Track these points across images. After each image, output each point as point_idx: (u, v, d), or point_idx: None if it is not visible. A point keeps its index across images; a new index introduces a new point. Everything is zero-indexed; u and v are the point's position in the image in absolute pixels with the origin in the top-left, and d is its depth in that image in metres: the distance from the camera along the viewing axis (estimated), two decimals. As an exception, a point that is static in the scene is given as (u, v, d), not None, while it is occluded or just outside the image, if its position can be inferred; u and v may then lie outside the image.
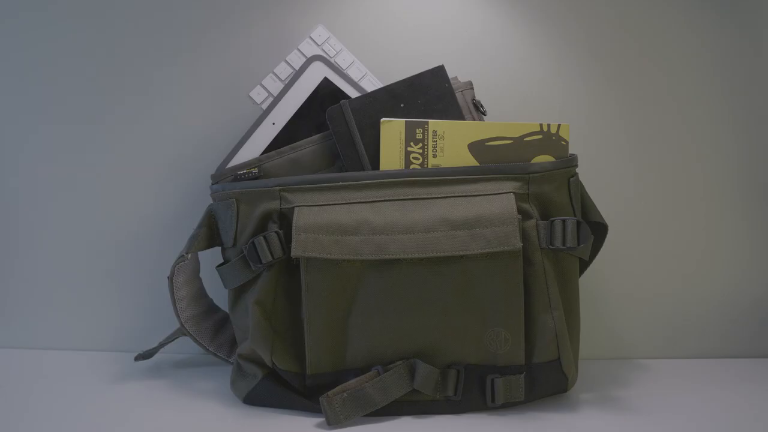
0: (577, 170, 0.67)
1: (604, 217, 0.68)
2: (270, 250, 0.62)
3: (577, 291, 0.65)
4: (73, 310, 0.83)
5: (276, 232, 0.62)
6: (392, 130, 0.65)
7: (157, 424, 0.59)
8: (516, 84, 0.81)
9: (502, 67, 0.81)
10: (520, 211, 0.62)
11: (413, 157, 0.65)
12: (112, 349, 0.83)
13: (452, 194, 0.62)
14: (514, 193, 0.62)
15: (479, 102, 0.73)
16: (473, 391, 0.62)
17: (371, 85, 0.76)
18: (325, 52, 0.76)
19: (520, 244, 0.59)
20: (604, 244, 0.72)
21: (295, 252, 0.59)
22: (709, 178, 0.82)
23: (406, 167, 0.65)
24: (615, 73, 0.82)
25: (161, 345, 0.73)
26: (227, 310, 0.73)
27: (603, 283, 0.82)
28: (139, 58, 0.81)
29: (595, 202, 0.81)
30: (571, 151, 0.81)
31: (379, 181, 0.63)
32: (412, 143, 0.65)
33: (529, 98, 0.81)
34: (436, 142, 0.65)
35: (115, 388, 0.69)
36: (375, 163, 0.67)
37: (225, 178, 0.69)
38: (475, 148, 0.65)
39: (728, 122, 0.82)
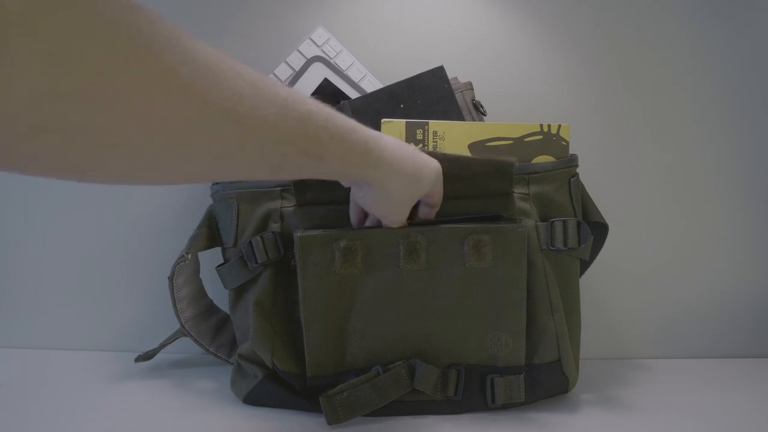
0: (578, 170, 0.67)
1: (604, 217, 0.69)
2: (265, 249, 0.62)
3: (577, 292, 0.65)
4: (73, 310, 0.83)
5: (273, 232, 0.62)
6: (392, 130, 0.65)
7: (157, 424, 0.59)
8: (516, 84, 0.81)
9: (502, 67, 0.81)
10: (520, 211, 0.62)
11: (413, 158, 0.65)
12: (112, 349, 0.83)
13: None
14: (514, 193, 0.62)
15: (479, 102, 0.73)
16: (473, 392, 0.61)
17: (371, 85, 0.76)
18: (326, 53, 0.76)
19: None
20: (604, 245, 0.72)
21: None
22: (709, 178, 0.82)
23: (406, 167, 0.65)
24: (615, 74, 0.82)
25: (162, 346, 0.73)
26: (227, 311, 0.73)
27: (603, 283, 0.82)
28: (140, 59, 0.81)
29: (595, 202, 0.81)
30: (571, 151, 0.81)
31: (379, 181, 0.62)
32: (412, 144, 0.65)
33: (530, 98, 0.81)
34: (436, 142, 0.65)
35: (115, 388, 0.69)
36: (375, 163, 0.66)
37: (225, 178, 0.68)
38: (476, 148, 0.65)
39: (728, 122, 0.82)
